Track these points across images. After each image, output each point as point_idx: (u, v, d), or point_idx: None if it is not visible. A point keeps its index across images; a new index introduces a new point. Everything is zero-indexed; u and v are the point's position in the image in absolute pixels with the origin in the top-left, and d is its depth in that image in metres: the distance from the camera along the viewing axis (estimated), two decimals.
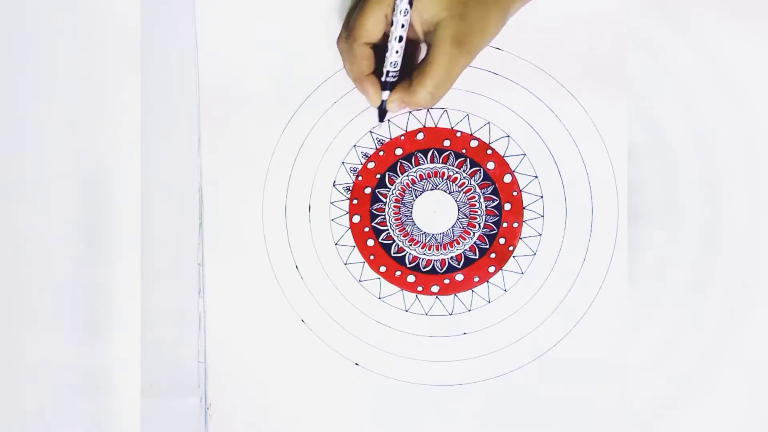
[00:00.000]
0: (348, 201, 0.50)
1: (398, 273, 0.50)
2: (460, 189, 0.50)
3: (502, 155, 0.50)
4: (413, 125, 0.50)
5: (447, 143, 0.50)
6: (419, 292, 0.50)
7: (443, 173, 0.50)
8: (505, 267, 0.50)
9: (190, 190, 0.50)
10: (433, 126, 0.50)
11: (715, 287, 0.40)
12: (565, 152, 0.49)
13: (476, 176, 0.50)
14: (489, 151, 0.50)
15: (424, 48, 0.45)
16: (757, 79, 0.40)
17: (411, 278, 0.50)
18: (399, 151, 0.50)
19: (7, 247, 0.39)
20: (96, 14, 0.40)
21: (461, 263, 0.50)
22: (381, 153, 0.50)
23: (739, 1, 0.41)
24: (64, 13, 0.40)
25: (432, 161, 0.50)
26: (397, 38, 0.42)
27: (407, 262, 0.50)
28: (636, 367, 0.40)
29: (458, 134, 0.50)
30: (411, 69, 0.44)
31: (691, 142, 0.41)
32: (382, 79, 0.45)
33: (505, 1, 0.43)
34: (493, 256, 0.50)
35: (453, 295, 0.50)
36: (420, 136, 0.50)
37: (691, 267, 0.41)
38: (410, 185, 0.50)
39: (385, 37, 0.43)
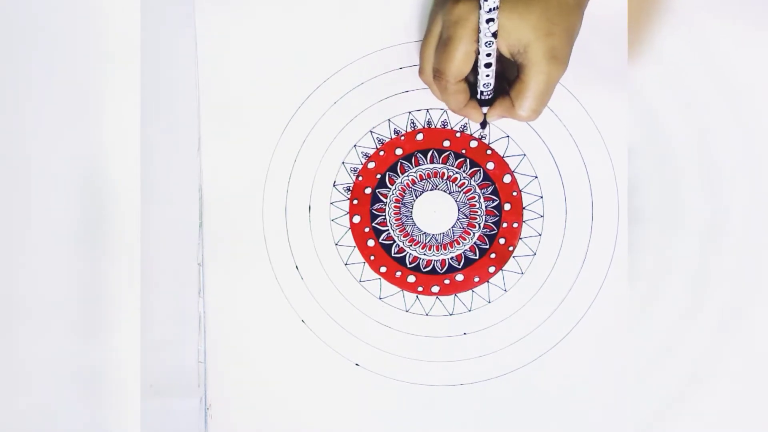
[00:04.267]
0: (348, 201, 0.50)
1: (398, 273, 0.50)
2: (460, 189, 0.50)
3: (502, 155, 0.50)
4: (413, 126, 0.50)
5: (447, 143, 0.50)
6: (419, 293, 0.50)
7: (443, 173, 0.50)
8: (505, 267, 0.50)
9: (190, 190, 0.50)
10: (433, 126, 0.50)
11: (715, 287, 0.40)
12: (565, 152, 0.49)
13: (476, 176, 0.50)
14: (489, 152, 0.50)
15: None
16: (757, 79, 0.40)
17: (411, 278, 0.50)
18: (399, 151, 0.50)
19: (6, 247, 0.39)
20: (96, 14, 0.40)
21: (461, 263, 0.50)
22: (381, 153, 0.50)
23: (739, 1, 0.41)
24: (64, 13, 0.40)
25: (432, 161, 0.50)
26: (486, 65, 0.42)
27: (407, 263, 0.50)
28: (636, 367, 0.40)
29: (458, 134, 0.50)
30: (502, 81, 0.44)
31: (691, 142, 0.41)
32: (478, 97, 0.45)
33: (582, 1, 0.43)
34: (493, 256, 0.50)
35: (453, 296, 0.50)
36: (420, 136, 0.50)
37: (691, 267, 0.41)
38: (410, 185, 0.50)
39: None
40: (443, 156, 0.50)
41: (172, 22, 0.50)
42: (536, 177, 0.50)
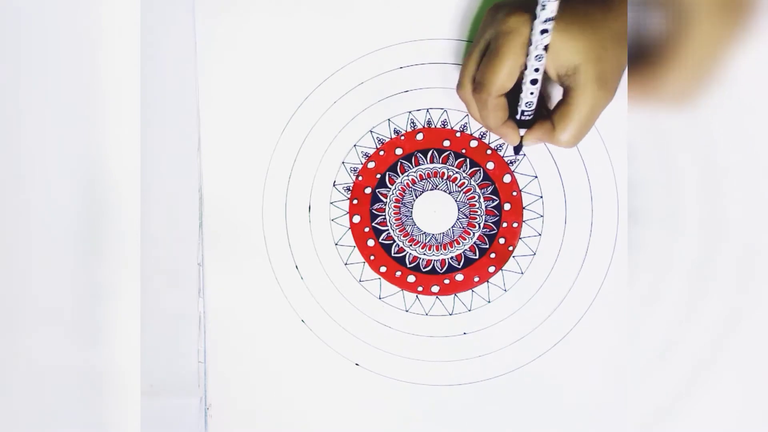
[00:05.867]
0: (348, 201, 0.50)
1: (398, 273, 0.50)
2: (460, 189, 0.50)
3: (502, 155, 0.50)
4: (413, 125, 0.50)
5: (447, 143, 0.50)
6: (419, 292, 0.50)
7: (443, 173, 0.50)
8: (505, 267, 0.50)
9: (190, 190, 0.50)
10: (433, 126, 0.50)
11: (715, 287, 0.40)
12: (564, 152, 0.49)
13: (476, 176, 0.50)
14: (488, 151, 0.50)
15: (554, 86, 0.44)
16: (757, 78, 0.40)
17: (411, 278, 0.50)
18: (399, 151, 0.50)
19: (7, 247, 0.39)
20: (96, 14, 0.40)
21: (461, 263, 0.50)
22: (381, 153, 0.50)
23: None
24: (64, 12, 0.40)
25: (432, 161, 0.50)
26: (531, 81, 0.41)
27: (407, 263, 0.50)
28: (636, 367, 0.40)
29: (458, 134, 0.50)
30: (540, 107, 0.44)
31: (692, 142, 0.41)
32: (517, 117, 0.44)
33: None
34: (493, 256, 0.50)
35: (453, 295, 0.50)
36: (420, 136, 0.50)
37: (691, 267, 0.41)
38: (410, 185, 0.50)
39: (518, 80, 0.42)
40: (443, 156, 0.50)
41: (172, 22, 0.50)
42: (536, 177, 0.50)
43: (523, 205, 0.50)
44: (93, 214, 0.40)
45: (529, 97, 0.42)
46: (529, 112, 0.44)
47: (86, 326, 0.40)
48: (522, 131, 0.45)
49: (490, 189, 0.50)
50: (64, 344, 0.40)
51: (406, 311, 0.50)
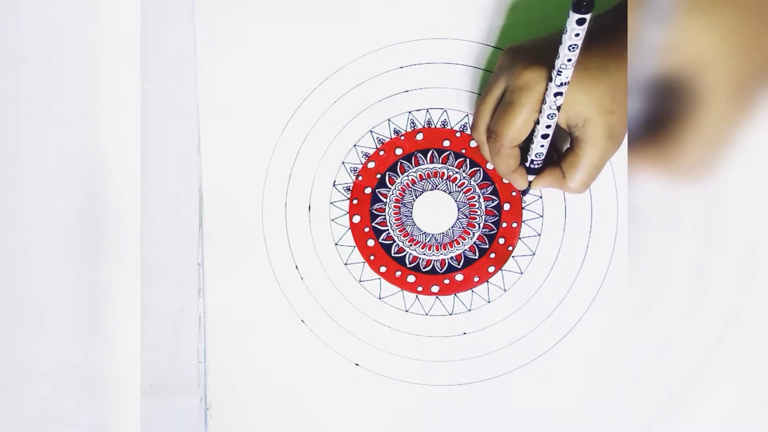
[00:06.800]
0: (348, 201, 0.50)
1: (398, 273, 0.50)
2: (459, 189, 0.50)
3: None
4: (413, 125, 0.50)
5: (447, 143, 0.50)
6: (419, 292, 0.50)
7: (443, 173, 0.50)
8: (505, 267, 0.50)
9: (190, 190, 0.50)
10: (433, 126, 0.50)
11: (715, 287, 0.40)
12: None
13: (476, 176, 0.50)
14: None
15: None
16: None
17: (411, 278, 0.50)
18: (399, 151, 0.50)
19: (7, 247, 0.39)
20: (96, 14, 0.40)
21: (461, 263, 0.50)
22: (381, 153, 0.50)
23: None
24: (64, 12, 0.40)
25: (432, 161, 0.50)
26: (543, 136, 0.42)
27: (407, 263, 0.50)
28: (636, 367, 0.39)
29: (458, 134, 0.50)
30: (550, 151, 0.44)
31: None
32: (527, 164, 0.45)
33: None
34: (492, 256, 0.50)
35: (453, 295, 0.50)
36: (420, 136, 0.50)
37: (691, 267, 0.41)
38: (410, 185, 0.50)
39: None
40: (443, 156, 0.50)
41: (172, 22, 0.50)
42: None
43: (523, 205, 0.50)
44: (93, 214, 0.40)
45: (539, 149, 0.43)
46: (539, 161, 0.45)
47: (86, 326, 0.40)
48: (531, 177, 0.46)
49: (489, 189, 0.50)
50: (64, 344, 0.40)
51: (406, 311, 0.50)
